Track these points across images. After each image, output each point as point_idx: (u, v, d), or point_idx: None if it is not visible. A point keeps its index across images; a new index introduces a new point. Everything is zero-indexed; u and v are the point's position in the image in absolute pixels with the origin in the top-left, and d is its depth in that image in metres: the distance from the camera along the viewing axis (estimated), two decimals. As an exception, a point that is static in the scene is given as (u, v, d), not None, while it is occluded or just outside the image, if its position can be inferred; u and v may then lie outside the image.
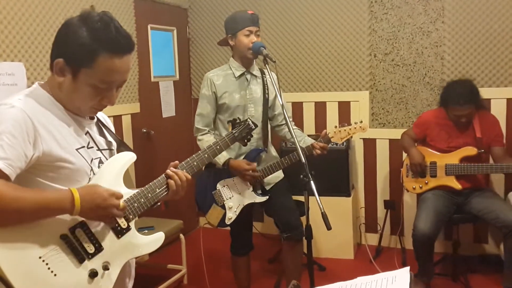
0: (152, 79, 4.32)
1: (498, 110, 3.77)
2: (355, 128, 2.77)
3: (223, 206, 2.83)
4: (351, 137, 2.86)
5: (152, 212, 1.61)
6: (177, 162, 1.67)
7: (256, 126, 2.05)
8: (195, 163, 1.71)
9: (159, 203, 1.63)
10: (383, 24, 4.05)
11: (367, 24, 4.08)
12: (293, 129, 2.94)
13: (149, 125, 4.23)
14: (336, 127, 2.78)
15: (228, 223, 2.84)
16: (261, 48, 2.66)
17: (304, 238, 2.30)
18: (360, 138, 4.22)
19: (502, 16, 3.69)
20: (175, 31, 4.59)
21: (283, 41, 4.36)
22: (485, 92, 3.75)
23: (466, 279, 3.44)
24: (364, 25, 4.09)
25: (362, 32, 4.10)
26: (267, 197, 2.88)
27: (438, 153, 3.38)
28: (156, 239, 1.61)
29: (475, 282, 3.44)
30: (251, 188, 2.84)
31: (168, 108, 4.53)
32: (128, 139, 3.98)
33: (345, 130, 2.76)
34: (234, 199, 2.83)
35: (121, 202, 1.44)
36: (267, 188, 2.92)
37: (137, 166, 3.89)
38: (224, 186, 2.83)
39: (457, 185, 3.30)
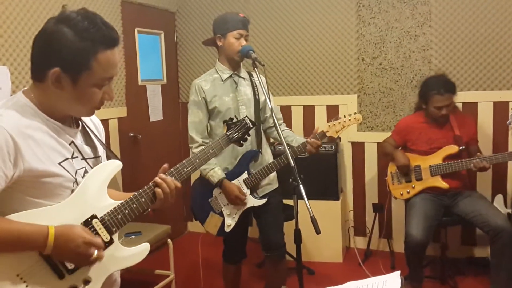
0: (139, 83, 4.28)
1: (484, 113, 3.81)
2: (350, 120, 2.73)
3: (221, 214, 2.77)
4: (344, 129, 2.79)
5: (139, 217, 1.54)
6: (166, 165, 1.59)
7: (254, 124, 1.92)
8: (185, 170, 1.61)
9: (149, 210, 1.57)
10: (370, 28, 4.07)
11: (355, 28, 4.09)
12: (283, 130, 2.93)
13: (136, 129, 4.19)
14: (330, 121, 2.75)
15: (228, 231, 2.77)
16: (249, 51, 2.64)
17: (294, 243, 2.28)
18: (349, 142, 4.23)
19: (488, 20, 3.72)
20: (162, 35, 4.57)
21: (271, 44, 4.36)
22: (472, 96, 3.81)
23: (454, 282, 3.45)
24: (352, 29, 4.10)
25: (350, 36, 4.11)
26: (266, 199, 2.82)
27: (421, 156, 3.41)
28: (140, 251, 1.54)
29: (463, 285, 3.46)
30: (248, 192, 2.77)
31: (156, 112, 4.49)
32: (114, 143, 3.94)
33: (339, 123, 2.72)
34: (232, 205, 2.77)
35: (96, 252, 1.37)
36: (261, 194, 2.85)
37: (124, 171, 3.84)
38: (220, 193, 2.77)
39: (444, 185, 3.32)
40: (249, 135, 1.91)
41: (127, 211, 1.49)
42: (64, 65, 1.32)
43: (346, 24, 4.11)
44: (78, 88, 1.35)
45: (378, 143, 4.08)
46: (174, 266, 3.58)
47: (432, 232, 3.29)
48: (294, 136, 2.88)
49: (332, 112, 4.22)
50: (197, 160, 1.67)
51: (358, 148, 4.24)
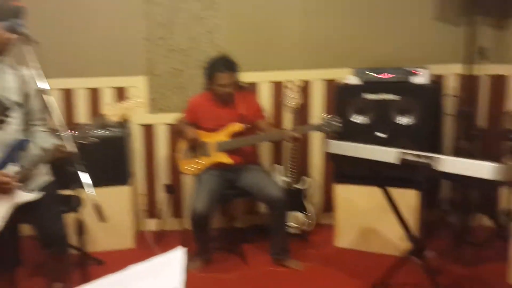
0: None
1: (264, 92, 4.15)
2: (131, 102, 2.58)
3: None
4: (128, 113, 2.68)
5: None
6: None
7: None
8: None
9: None
10: (158, 8, 4.02)
11: (142, 8, 3.99)
12: (42, 130, 2.60)
13: None
14: (109, 104, 2.62)
15: None
16: (18, 26, 2.32)
17: (77, 234, 2.13)
18: (139, 124, 4.15)
19: (268, 7, 4.04)
20: None
21: (50, 21, 3.93)
22: (252, 76, 4.09)
23: (241, 249, 3.73)
24: (139, 8, 3.99)
25: (137, 15, 4.00)
26: (40, 193, 2.49)
27: (209, 133, 3.61)
28: None
29: (248, 251, 3.75)
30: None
31: None
32: None
33: (118, 105, 2.54)
34: None
35: None
36: (32, 187, 2.50)
37: None
38: None
39: (228, 160, 3.56)
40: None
41: None
42: None
43: (132, 4, 3.98)
44: None
45: (169, 125, 4.11)
46: None
47: (216, 205, 3.51)
48: (47, 138, 2.54)
49: (121, 94, 4.08)
50: None
51: (148, 130, 4.19)
